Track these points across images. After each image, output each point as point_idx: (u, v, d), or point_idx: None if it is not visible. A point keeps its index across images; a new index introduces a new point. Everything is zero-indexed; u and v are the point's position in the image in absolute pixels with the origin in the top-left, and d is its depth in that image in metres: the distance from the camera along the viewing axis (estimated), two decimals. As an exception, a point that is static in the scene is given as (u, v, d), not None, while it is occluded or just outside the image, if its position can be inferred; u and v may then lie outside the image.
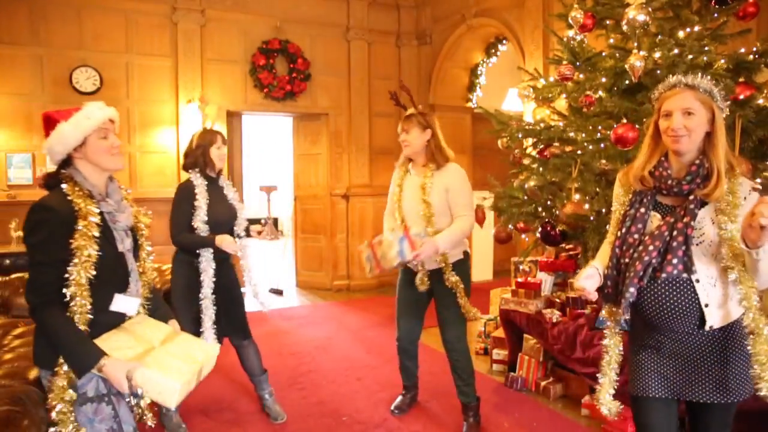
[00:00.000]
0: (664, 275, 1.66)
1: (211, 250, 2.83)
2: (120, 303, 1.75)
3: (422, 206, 2.84)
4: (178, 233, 2.82)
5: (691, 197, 1.67)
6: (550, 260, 3.82)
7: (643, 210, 1.75)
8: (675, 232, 1.66)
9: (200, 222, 2.80)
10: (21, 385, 2.21)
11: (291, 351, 4.44)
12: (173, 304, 2.87)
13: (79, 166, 1.70)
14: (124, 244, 1.75)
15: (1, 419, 1.88)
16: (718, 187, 1.63)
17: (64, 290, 1.58)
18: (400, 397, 3.32)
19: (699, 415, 1.80)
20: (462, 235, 2.82)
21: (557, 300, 3.58)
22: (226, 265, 2.98)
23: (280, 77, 6.22)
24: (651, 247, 1.67)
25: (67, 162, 1.70)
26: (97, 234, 1.64)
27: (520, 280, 3.78)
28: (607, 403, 1.82)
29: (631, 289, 1.69)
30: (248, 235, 3.08)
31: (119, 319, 1.75)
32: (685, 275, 1.65)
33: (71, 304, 1.59)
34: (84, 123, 1.68)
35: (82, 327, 1.60)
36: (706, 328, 1.65)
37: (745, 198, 1.63)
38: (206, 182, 2.89)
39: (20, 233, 4.89)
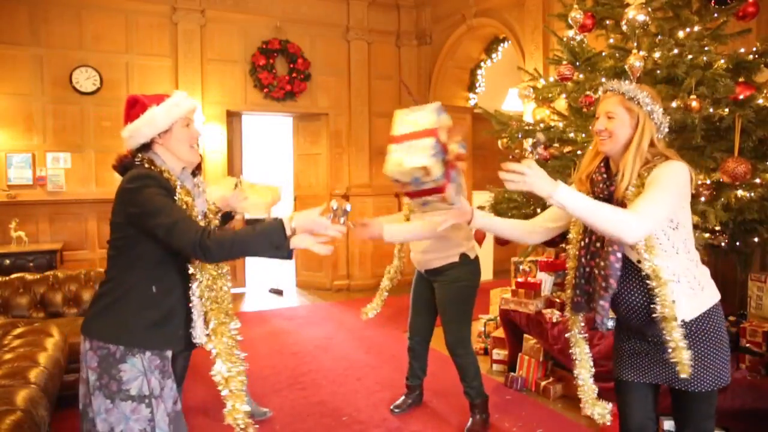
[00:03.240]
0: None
1: None
2: None
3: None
4: None
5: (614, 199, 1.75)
6: (550, 260, 3.82)
7: None
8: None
9: None
10: (21, 385, 2.21)
11: (291, 351, 4.44)
12: None
13: (158, 152, 1.73)
14: None
15: (0, 420, 1.88)
16: (620, 186, 1.69)
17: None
18: (402, 398, 3.32)
19: (679, 404, 1.82)
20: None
21: (557, 300, 3.58)
22: None
23: (280, 77, 6.22)
24: (612, 258, 1.70)
25: (145, 147, 1.72)
26: (191, 203, 1.69)
27: (520, 280, 3.78)
28: (593, 406, 1.88)
29: (601, 302, 1.72)
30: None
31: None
32: (643, 274, 1.68)
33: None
34: (174, 110, 1.71)
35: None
36: (679, 322, 1.67)
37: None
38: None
39: (21, 233, 4.92)
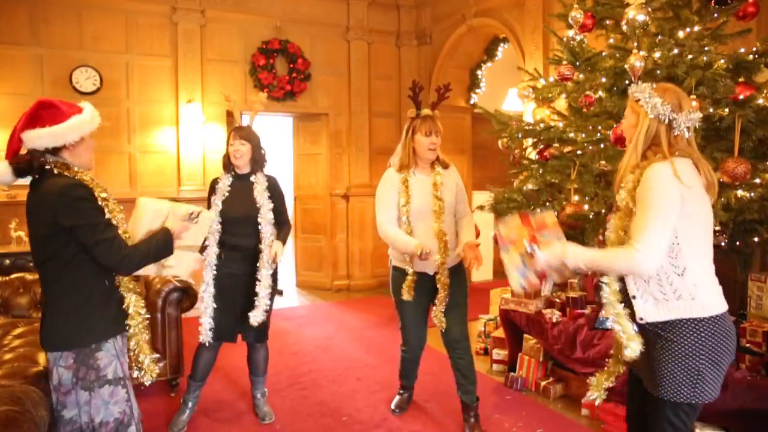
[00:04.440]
0: None
1: (216, 244, 2.92)
2: None
3: (435, 202, 2.84)
4: None
5: None
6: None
7: None
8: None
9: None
10: (21, 385, 2.21)
11: (291, 351, 4.44)
12: None
13: (65, 156, 1.83)
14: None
15: (0, 419, 1.88)
16: (616, 184, 1.79)
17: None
18: (398, 397, 3.32)
19: (646, 403, 1.82)
20: None
21: (557, 300, 3.58)
22: (250, 263, 2.95)
23: (280, 77, 6.22)
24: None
25: (53, 151, 1.80)
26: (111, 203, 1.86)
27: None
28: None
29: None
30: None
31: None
32: None
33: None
34: (95, 120, 1.88)
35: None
36: (637, 319, 1.70)
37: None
38: (231, 179, 2.97)
39: (21, 233, 4.92)
